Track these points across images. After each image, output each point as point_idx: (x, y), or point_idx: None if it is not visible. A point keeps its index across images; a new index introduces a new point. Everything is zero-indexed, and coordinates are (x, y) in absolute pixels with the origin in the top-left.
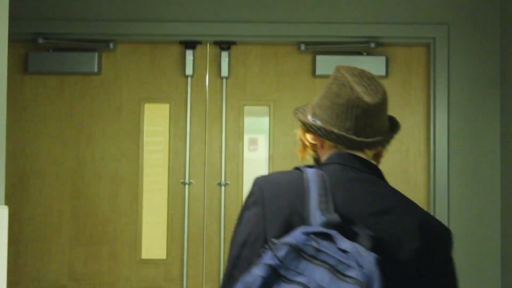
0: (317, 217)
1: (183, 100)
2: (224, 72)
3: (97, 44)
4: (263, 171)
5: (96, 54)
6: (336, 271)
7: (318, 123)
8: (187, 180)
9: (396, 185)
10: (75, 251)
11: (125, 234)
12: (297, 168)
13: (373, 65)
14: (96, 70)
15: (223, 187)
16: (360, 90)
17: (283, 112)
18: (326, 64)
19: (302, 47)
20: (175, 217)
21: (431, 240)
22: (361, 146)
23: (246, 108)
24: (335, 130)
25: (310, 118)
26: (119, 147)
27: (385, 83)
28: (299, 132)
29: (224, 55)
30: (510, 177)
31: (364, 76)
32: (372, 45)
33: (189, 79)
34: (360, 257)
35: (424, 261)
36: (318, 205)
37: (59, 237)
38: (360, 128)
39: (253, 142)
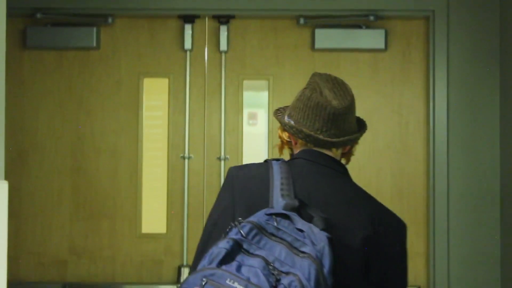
0: (278, 201)
1: (182, 74)
2: (223, 46)
3: (96, 19)
4: (263, 145)
5: (95, 29)
6: (293, 247)
7: (292, 122)
8: (186, 155)
9: (395, 157)
10: (75, 225)
11: (125, 209)
12: (265, 161)
13: (372, 38)
14: (94, 45)
15: (222, 161)
16: (329, 95)
17: (282, 86)
18: (325, 37)
19: (301, 20)
20: (174, 191)
21: (382, 231)
22: (327, 145)
23: (245, 82)
24: (305, 130)
25: (286, 118)
26: (118, 122)
27: (384, 56)
28: (279, 130)
29: (223, 29)
30: (509, 148)
31: (335, 83)
32: (371, 18)
33: (188, 53)
34: (313, 236)
35: (373, 249)
36: (280, 192)
37: (59, 211)
38: (328, 129)
39: (253, 116)
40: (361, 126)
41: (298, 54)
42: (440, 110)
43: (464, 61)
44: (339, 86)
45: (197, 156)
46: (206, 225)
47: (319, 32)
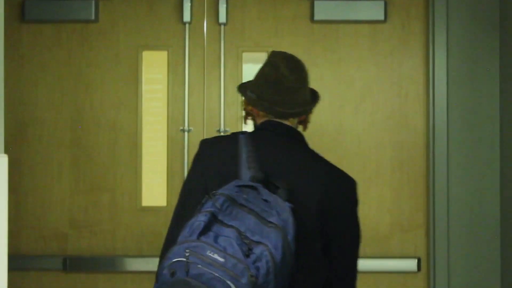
0: (246, 173)
1: (181, 47)
2: (222, 18)
3: None
4: None
5: (93, 1)
6: (261, 218)
7: (254, 96)
8: (186, 128)
9: (395, 129)
10: (75, 199)
11: (125, 182)
12: (234, 133)
13: (372, 9)
14: (93, 17)
15: (222, 134)
16: (285, 71)
17: None
18: (325, 9)
19: None
20: (174, 164)
21: (335, 190)
22: (285, 115)
23: (244, 54)
24: (265, 103)
25: (248, 93)
26: (117, 95)
27: (383, 27)
28: (244, 103)
29: (222, 1)
30: (509, 118)
31: (290, 60)
32: None
33: (187, 25)
34: (278, 206)
35: (329, 206)
36: (247, 164)
37: (59, 185)
38: (285, 101)
39: None
40: (315, 97)
41: (297, 26)
42: (440, 81)
43: (463, 31)
44: (294, 63)
45: (197, 129)
46: (180, 194)
47: (318, 4)
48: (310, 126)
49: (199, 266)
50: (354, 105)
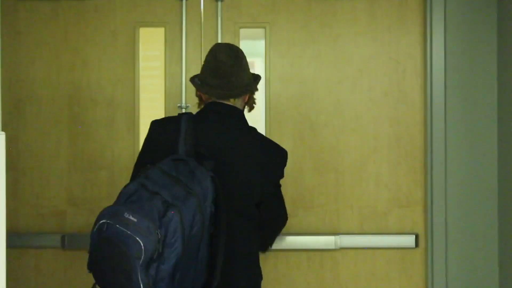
0: (182, 148)
1: (178, 23)
2: None
3: None
4: (260, 93)
5: None
6: (185, 186)
7: (199, 82)
8: (183, 104)
9: (392, 105)
10: (73, 176)
11: (123, 159)
12: (179, 114)
13: None
14: None
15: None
16: (224, 58)
17: (279, 34)
18: None
19: None
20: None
21: (268, 160)
22: (224, 96)
23: (241, 31)
24: (206, 87)
25: (195, 80)
26: (115, 72)
27: (381, 3)
28: (195, 90)
29: None
30: (507, 93)
31: (229, 49)
32: None
33: (183, 1)
34: (201, 176)
35: (263, 176)
36: (183, 140)
37: (57, 162)
38: (224, 84)
39: (250, 65)
40: (255, 80)
41: (294, 1)
42: (438, 57)
43: (461, 6)
44: (232, 51)
45: (194, 105)
46: (134, 165)
47: None
48: (307, 102)
49: (117, 226)
50: (352, 81)
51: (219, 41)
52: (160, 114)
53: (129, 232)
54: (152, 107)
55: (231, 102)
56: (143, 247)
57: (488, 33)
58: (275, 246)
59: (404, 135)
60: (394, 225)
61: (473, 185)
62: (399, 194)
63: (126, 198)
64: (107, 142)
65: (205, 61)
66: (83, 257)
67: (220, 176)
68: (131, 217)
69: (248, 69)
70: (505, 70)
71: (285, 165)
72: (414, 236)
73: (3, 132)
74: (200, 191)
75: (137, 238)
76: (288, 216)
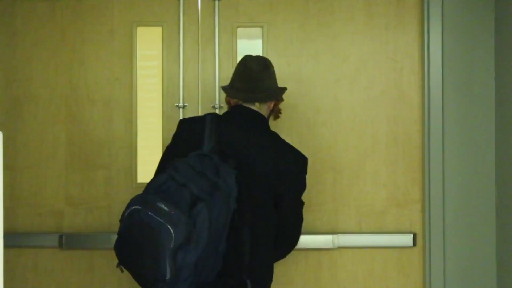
0: (207, 146)
1: (175, 23)
2: None
3: None
4: None
5: None
6: (210, 181)
7: (227, 87)
8: (181, 104)
9: (390, 104)
10: (70, 176)
11: (120, 159)
12: (205, 114)
13: None
14: None
15: (217, 110)
16: (251, 65)
17: (276, 33)
18: None
19: None
20: (169, 140)
21: (287, 164)
22: (250, 99)
23: (239, 30)
24: (233, 90)
25: (225, 86)
26: (112, 72)
27: (378, 1)
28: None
29: None
30: (504, 91)
31: (258, 58)
32: None
33: (181, 1)
34: (226, 173)
35: (281, 179)
36: (208, 138)
37: (54, 162)
38: (249, 87)
39: None
40: (282, 90)
41: (292, 0)
42: (435, 55)
43: (458, 5)
44: (261, 60)
45: (192, 105)
46: (160, 160)
47: None
48: (305, 101)
49: (150, 213)
50: (350, 79)
51: (216, 40)
52: (157, 114)
53: (161, 220)
54: (149, 106)
55: (256, 107)
56: (173, 236)
57: (485, 31)
58: None
59: (401, 134)
60: (392, 224)
61: (470, 184)
62: (396, 193)
63: (156, 188)
64: (104, 142)
65: (235, 69)
66: (81, 256)
67: (240, 174)
68: (163, 206)
69: (275, 79)
70: (502, 69)
71: (304, 171)
72: (411, 235)
73: (1, 132)
74: (225, 187)
75: (169, 227)
76: None
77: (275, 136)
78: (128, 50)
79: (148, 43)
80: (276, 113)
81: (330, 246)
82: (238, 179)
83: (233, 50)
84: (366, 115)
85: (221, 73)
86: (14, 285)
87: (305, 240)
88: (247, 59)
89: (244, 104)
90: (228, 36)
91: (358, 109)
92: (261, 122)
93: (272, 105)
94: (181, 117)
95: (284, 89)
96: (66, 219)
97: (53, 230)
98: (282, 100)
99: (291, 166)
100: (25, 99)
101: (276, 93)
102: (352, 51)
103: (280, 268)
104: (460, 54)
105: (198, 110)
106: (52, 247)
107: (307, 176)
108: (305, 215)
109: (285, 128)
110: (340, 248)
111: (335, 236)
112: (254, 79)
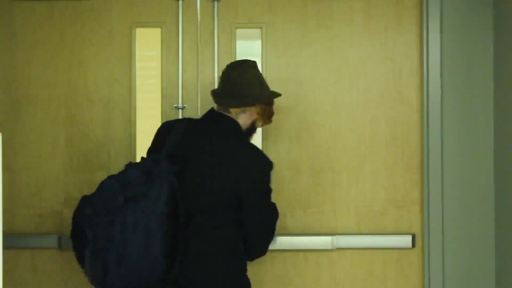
0: (165, 149)
1: (174, 24)
2: None
3: None
4: None
5: None
6: (149, 181)
7: (212, 93)
8: (180, 105)
9: (389, 105)
10: (70, 177)
11: (119, 160)
12: (184, 118)
13: None
14: None
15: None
16: (230, 70)
17: (275, 34)
18: None
19: None
20: None
21: (248, 170)
22: (222, 105)
23: (238, 31)
24: (214, 96)
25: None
26: (111, 73)
27: (377, 3)
28: None
29: None
30: (503, 93)
31: (240, 62)
32: None
33: (180, 2)
34: (168, 175)
35: (242, 184)
36: (169, 141)
37: (53, 163)
38: (226, 93)
39: None
40: (267, 95)
41: (291, 1)
42: (434, 56)
43: (457, 6)
44: (243, 64)
45: (191, 106)
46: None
47: None
48: (304, 103)
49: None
50: (348, 81)
51: (215, 42)
52: (156, 115)
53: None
54: (148, 107)
55: (231, 112)
56: (92, 235)
57: (484, 32)
58: (272, 246)
59: (400, 135)
60: (391, 225)
61: (469, 185)
62: (395, 194)
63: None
64: (103, 143)
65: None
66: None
67: (189, 177)
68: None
69: (261, 84)
70: (501, 70)
71: (264, 176)
72: (411, 236)
73: (0, 133)
74: (161, 188)
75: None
76: (284, 217)
77: (243, 143)
78: (127, 51)
79: (147, 44)
80: (265, 118)
81: (329, 247)
82: (181, 183)
83: (232, 51)
84: (365, 116)
85: (220, 74)
86: (13, 286)
87: (304, 241)
88: (230, 64)
89: (217, 109)
90: (227, 37)
91: (357, 110)
92: (229, 128)
93: (257, 110)
94: (180, 118)
95: (274, 94)
96: (65, 221)
97: (52, 231)
98: (271, 103)
99: (248, 171)
100: (24, 100)
101: (253, 99)
102: (351, 52)
103: (279, 269)
104: (459, 56)
105: (197, 111)
106: (51, 248)
107: (306, 177)
108: (304, 216)
109: (284, 129)
110: (339, 249)
111: (334, 237)
112: (232, 85)
